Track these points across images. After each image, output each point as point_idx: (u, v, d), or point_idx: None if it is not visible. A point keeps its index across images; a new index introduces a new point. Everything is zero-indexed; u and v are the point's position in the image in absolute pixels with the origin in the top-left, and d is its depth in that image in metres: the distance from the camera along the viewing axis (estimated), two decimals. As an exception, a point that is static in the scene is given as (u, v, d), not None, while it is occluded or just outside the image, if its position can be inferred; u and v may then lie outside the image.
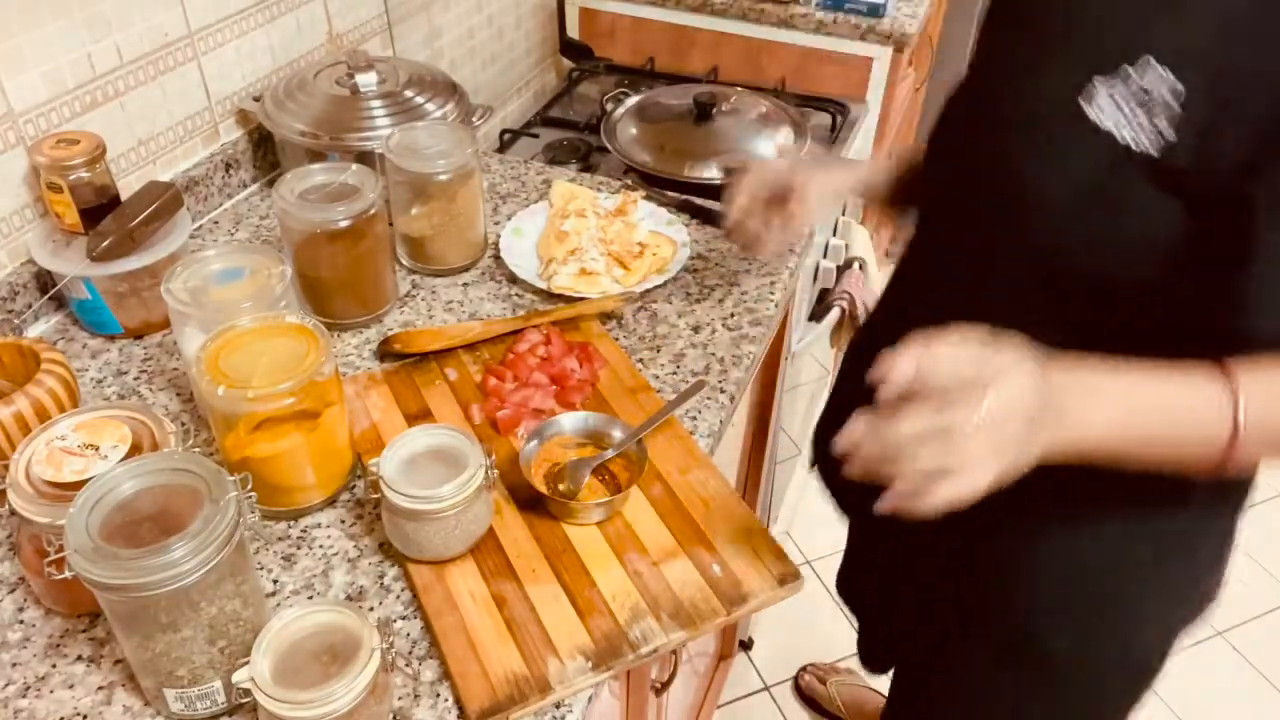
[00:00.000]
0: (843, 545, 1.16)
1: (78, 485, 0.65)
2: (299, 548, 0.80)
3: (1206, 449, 0.63)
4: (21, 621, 0.74)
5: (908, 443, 0.59)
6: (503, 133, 1.60)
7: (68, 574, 0.60)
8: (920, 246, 0.88)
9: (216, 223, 1.19)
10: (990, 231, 0.74)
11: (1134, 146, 0.63)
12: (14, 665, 0.70)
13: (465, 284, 1.11)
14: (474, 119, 1.24)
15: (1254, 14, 0.60)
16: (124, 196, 1.00)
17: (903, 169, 0.98)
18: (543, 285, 1.07)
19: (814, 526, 2.08)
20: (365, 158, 1.14)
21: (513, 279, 1.10)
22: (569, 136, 1.59)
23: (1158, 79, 0.62)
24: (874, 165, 1.02)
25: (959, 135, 0.81)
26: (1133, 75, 0.63)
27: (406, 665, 0.71)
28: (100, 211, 0.98)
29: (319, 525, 0.82)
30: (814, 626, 1.91)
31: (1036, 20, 0.73)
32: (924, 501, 0.60)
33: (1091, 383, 0.63)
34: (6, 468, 0.70)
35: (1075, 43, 0.68)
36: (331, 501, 0.83)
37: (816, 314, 1.77)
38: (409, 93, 1.19)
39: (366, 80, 1.17)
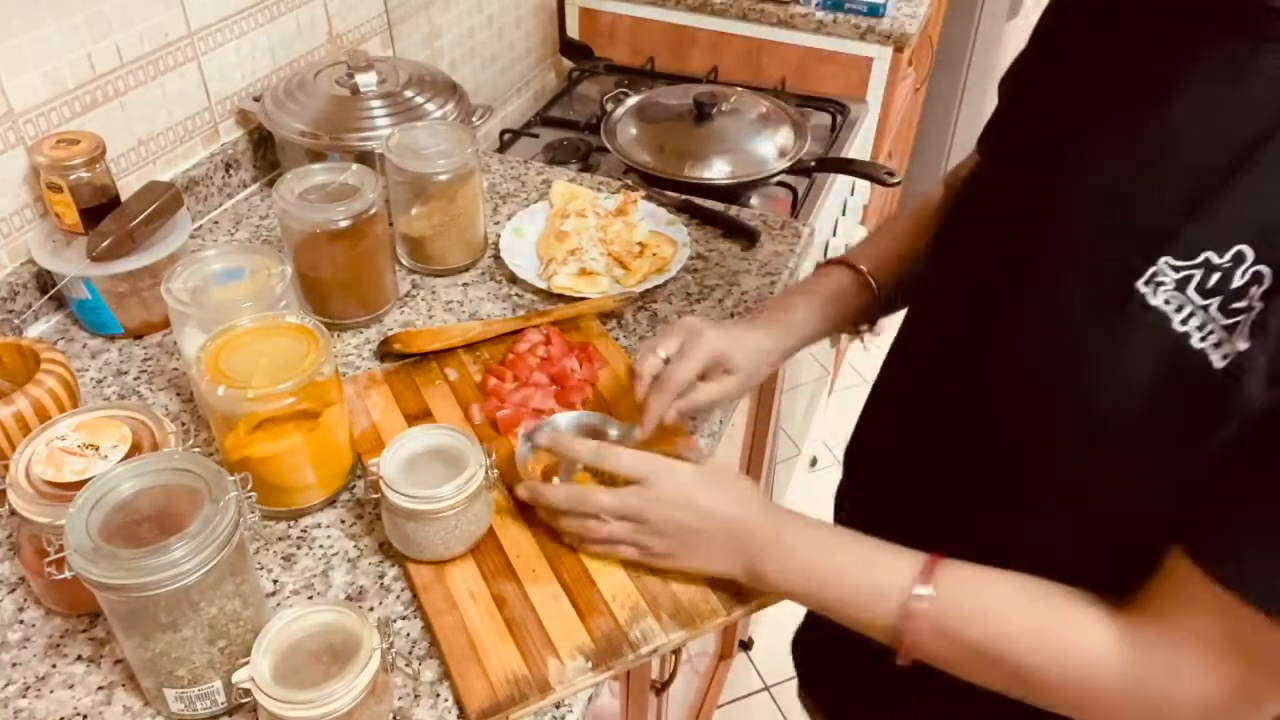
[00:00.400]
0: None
1: (78, 485, 0.65)
2: (299, 548, 0.80)
3: (883, 632, 0.66)
4: (21, 621, 0.74)
5: (604, 511, 0.73)
6: (503, 133, 1.60)
7: (68, 574, 0.60)
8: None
9: (216, 223, 1.19)
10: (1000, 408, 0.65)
11: (1194, 344, 0.52)
12: (14, 665, 0.70)
13: (465, 284, 1.11)
14: (474, 119, 1.24)
15: None
16: (124, 196, 1.00)
17: (882, 281, 0.88)
18: (543, 285, 1.07)
19: (814, 526, 2.07)
20: (365, 158, 1.14)
21: (513, 279, 1.10)
22: (569, 136, 1.59)
23: (1245, 271, 0.51)
24: (823, 302, 0.89)
25: (977, 272, 0.68)
26: (1216, 262, 0.52)
27: (406, 665, 0.71)
28: (100, 211, 0.98)
29: (319, 525, 0.82)
30: (814, 626, 1.91)
31: (1094, 173, 0.59)
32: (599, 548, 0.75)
33: (784, 546, 0.70)
34: (6, 468, 0.70)
35: (1151, 201, 0.55)
36: (331, 501, 0.83)
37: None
38: (409, 93, 1.19)
39: (366, 80, 1.17)
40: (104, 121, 1.04)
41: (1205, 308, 0.52)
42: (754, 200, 1.43)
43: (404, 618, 0.74)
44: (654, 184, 1.34)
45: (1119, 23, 0.62)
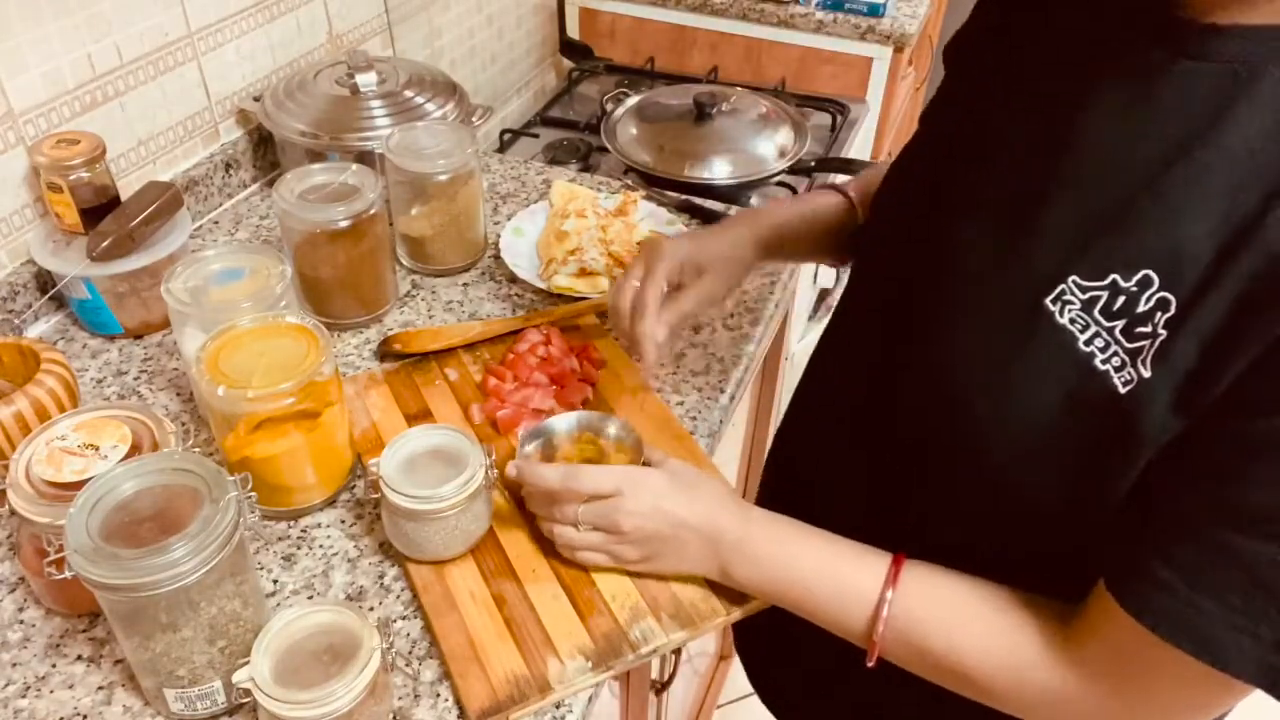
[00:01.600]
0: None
1: (78, 485, 0.65)
2: (299, 548, 0.80)
3: (852, 635, 0.67)
4: (21, 621, 0.74)
5: (580, 522, 0.72)
6: (503, 133, 1.60)
7: (68, 574, 0.60)
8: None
9: (216, 223, 1.19)
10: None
11: (1098, 365, 0.51)
12: (14, 665, 0.70)
13: (465, 284, 1.11)
14: (474, 119, 1.24)
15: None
16: (124, 196, 1.00)
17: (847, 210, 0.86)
18: (543, 285, 1.07)
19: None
20: (365, 158, 1.14)
21: (513, 279, 1.10)
22: (569, 136, 1.59)
23: (1151, 297, 0.50)
24: (798, 208, 0.88)
25: (902, 239, 0.67)
26: (1122, 285, 0.51)
27: (406, 665, 0.71)
28: (100, 211, 0.98)
29: (319, 525, 0.82)
30: (814, 626, 1.91)
31: (1020, 157, 0.58)
32: (576, 555, 0.75)
33: (751, 549, 0.70)
34: (6, 468, 0.70)
35: (1057, 221, 0.54)
36: (331, 501, 0.83)
37: (817, 314, 1.77)
38: (409, 93, 1.19)
39: (366, 80, 1.17)
40: (104, 121, 1.04)
41: (1110, 330, 0.51)
42: (754, 200, 1.43)
43: (404, 618, 0.74)
44: (654, 184, 1.34)
45: (1048, 15, 0.60)
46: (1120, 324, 0.51)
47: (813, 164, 1.48)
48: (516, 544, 0.78)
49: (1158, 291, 0.50)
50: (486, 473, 0.75)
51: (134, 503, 0.63)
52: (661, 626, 0.72)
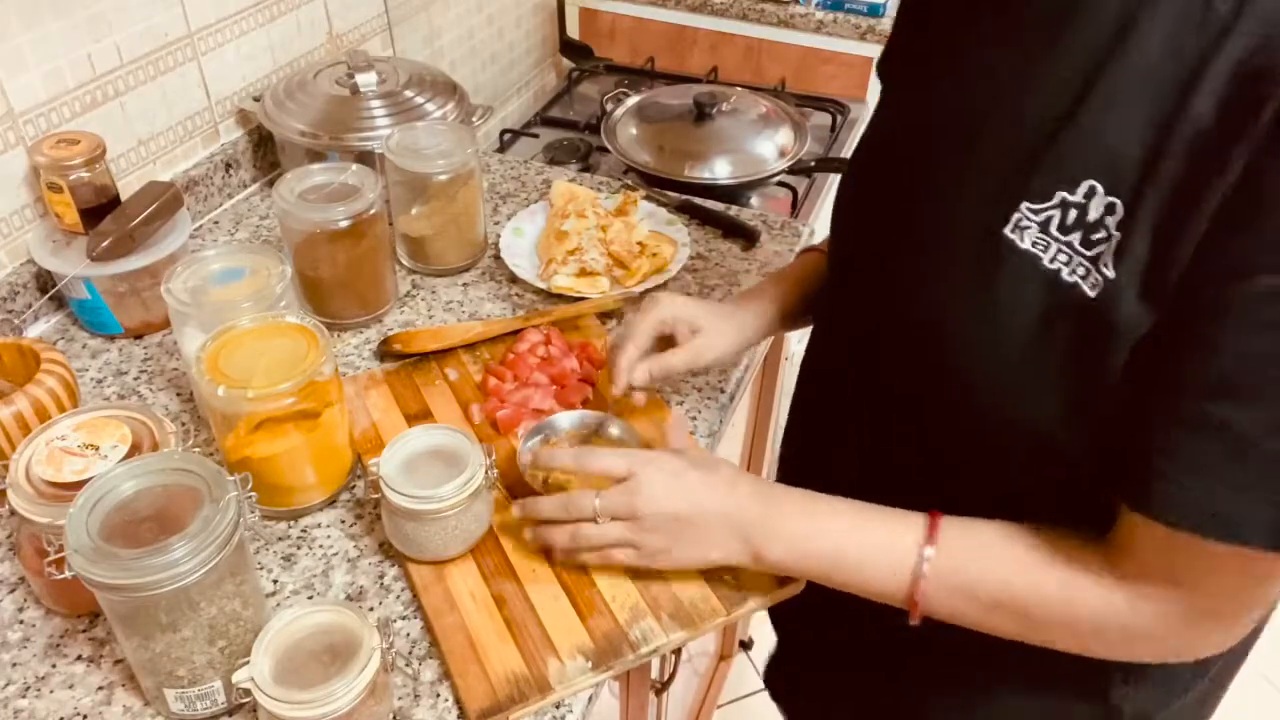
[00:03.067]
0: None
1: (78, 485, 0.65)
2: (299, 548, 0.80)
3: (888, 598, 0.67)
4: (21, 621, 0.74)
5: (597, 513, 0.72)
6: (503, 133, 1.60)
7: (68, 574, 0.60)
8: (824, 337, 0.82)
9: (216, 223, 1.19)
10: (900, 363, 0.68)
11: (1065, 278, 0.55)
12: (14, 665, 0.70)
13: (465, 284, 1.11)
14: (474, 119, 1.24)
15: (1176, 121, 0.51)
16: (124, 196, 1.00)
17: (805, 284, 0.89)
18: (543, 285, 1.07)
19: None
20: (365, 158, 1.14)
21: (513, 279, 1.10)
22: (569, 136, 1.59)
23: (1099, 204, 0.54)
24: (777, 296, 0.90)
25: (867, 232, 0.71)
26: (1070, 199, 0.55)
27: (406, 665, 0.71)
28: (100, 211, 0.98)
29: (319, 525, 0.82)
30: (814, 626, 1.91)
31: (950, 122, 0.63)
32: (603, 556, 0.74)
33: (778, 526, 0.70)
34: (6, 468, 0.70)
35: (998, 159, 0.58)
36: (331, 501, 0.83)
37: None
38: (409, 93, 1.19)
39: (366, 80, 1.17)
40: (104, 121, 1.04)
41: (1069, 244, 0.54)
42: (754, 200, 1.43)
43: (404, 618, 0.74)
44: (654, 184, 1.34)
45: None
46: (1077, 236, 0.54)
47: (813, 164, 1.48)
48: (516, 544, 0.78)
49: (1105, 198, 0.53)
50: (486, 473, 0.75)
51: (134, 503, 0.63)
52: (661, 626, 0.72)
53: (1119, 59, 0.53)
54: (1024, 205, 0.56)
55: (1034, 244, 0.56)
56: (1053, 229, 0.55)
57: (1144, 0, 0.52)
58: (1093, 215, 0.54)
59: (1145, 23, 0.52)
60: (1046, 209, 0.55)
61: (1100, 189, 0.53)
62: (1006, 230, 0.57)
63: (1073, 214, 0.54)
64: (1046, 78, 0.56)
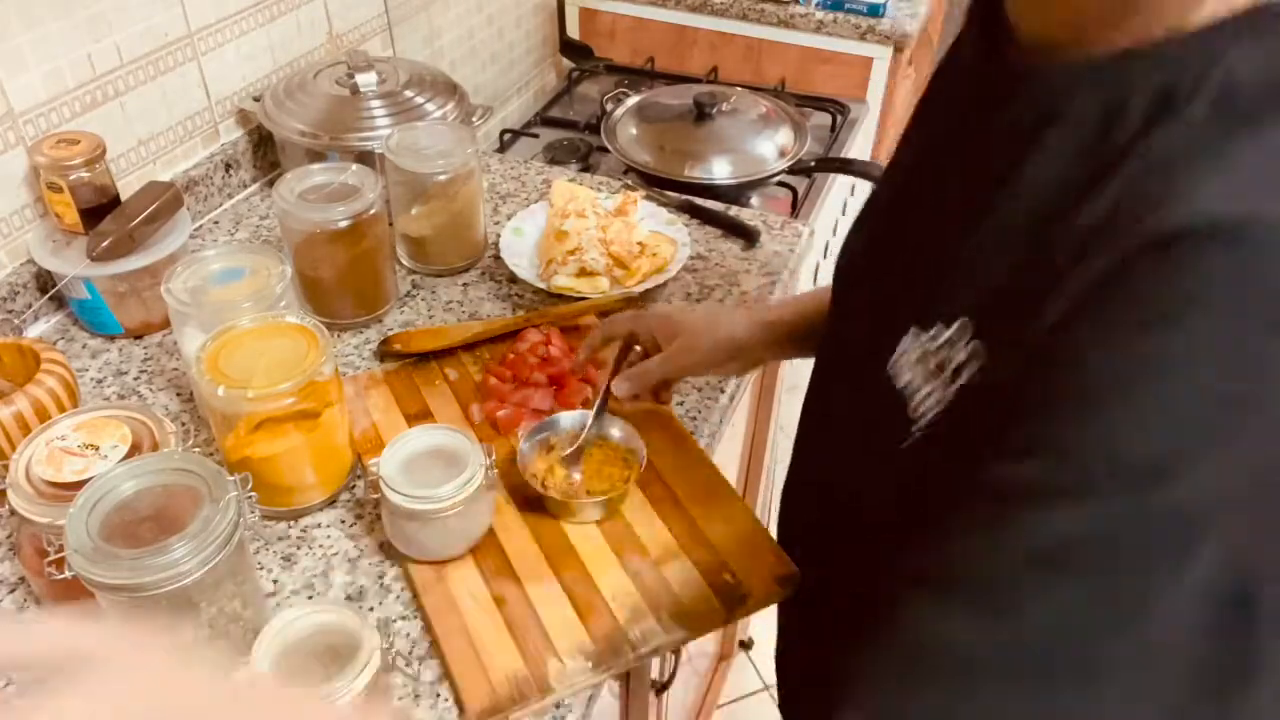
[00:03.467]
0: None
1: (78, 485, 0.65)
2: (299, 548, 0.80)
3: None
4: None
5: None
6: (503, 133, 1.60)
7: (68, 574, 0.60)
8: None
9: (216, 223, 1.19)
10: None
11: (925, 416, 0.52)
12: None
13: (465, 284, 1.11)
14: (474, 119, 1.24)
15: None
16: (124, 196, 1.00)
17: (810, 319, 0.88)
18: (543, 285, 1.07)
19: (814, 526, 2.07)
20: (365, 158, 1.13)
21: (513, 279, 1.10)
22: (569, 136, 1.59)
23: (965, 344, 0.50)
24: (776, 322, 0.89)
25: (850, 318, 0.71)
26: (945, 334, 0.51)
27: (406, 665, 0.71)
28: (100, 211, 0.98)
29: (319, 525, 0.82)
30: (814, 626, 1.90)
31: (892, 246, 0.63)
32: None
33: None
34: (6, 468, 0.70)
35: (903, 287, 0.57)
36: (331, 501, 0.83)
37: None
38: (409, 93, 1.19)
39: (366, 80, 1.17)
40: (104, 121, 1.04)
41: (940, 381, 0.52)
42: (754, 200, 1.43)
43: (404, 618, 0.74)
44: (654, 184, 1.34)
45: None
46: (948, 374, 0.51)
47: (813, 164, 1.48)
48: (516, 544, 0.78)
49: (970, 340, 0.49)
50: (486, 473, 0.75)
51: (134, 503, 0.63)
52: (661, 626, 0.72)
53: (1009, 190, 0.49)
54: (911, 332, 0.54)
55: (906, 385, 0.54)
56: (931, 364, 0.52)
57: (1046, 126, 0.47)
58: (960, 357, 0.50)
59: (1039, 154, 0.47)
60: (926, 342, 0.52)
61: (970, 329, 0.50)
62: (888, 364, 0.55)
63: (942, 353, 0.51)
64: (963, 196, 0.54)
